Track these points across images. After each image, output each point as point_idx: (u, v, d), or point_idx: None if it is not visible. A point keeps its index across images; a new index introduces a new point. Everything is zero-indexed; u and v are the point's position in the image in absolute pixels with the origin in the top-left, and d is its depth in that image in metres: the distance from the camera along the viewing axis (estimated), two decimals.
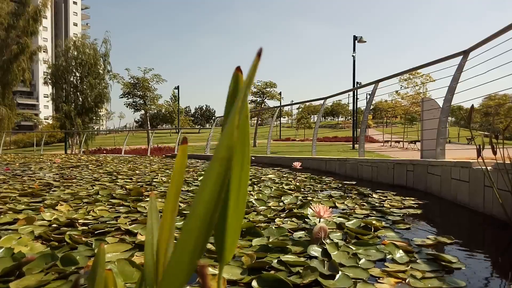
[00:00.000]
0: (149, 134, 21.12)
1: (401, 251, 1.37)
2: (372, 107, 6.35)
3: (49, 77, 24.22)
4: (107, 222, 1.86)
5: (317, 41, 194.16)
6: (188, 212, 1.94)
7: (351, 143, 15.38)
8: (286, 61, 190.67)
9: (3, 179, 3.97)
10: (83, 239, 1.49)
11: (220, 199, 0.34)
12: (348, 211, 2.22)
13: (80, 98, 24.55)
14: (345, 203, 2.48)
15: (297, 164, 4.19)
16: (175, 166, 0.39)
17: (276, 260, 1.26)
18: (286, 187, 3.29)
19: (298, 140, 25.53)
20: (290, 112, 63.44)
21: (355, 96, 17.73)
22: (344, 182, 3.87)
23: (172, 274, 0.33)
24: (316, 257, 1.31)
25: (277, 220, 1.92)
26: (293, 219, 1.95)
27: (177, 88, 31.28)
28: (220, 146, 0.33)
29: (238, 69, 0.39)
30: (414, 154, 8.13)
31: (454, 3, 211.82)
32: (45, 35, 61.72)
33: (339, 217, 1.97)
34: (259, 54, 0.35)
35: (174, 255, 0.32)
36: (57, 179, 3.98)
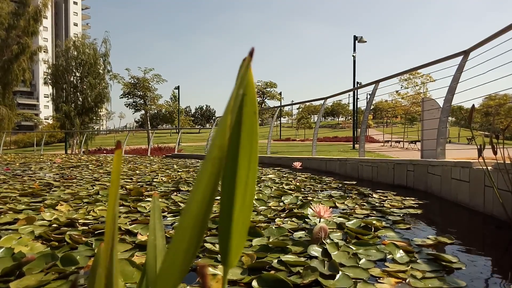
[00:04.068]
0: (149, 134, 21.13)
1: (401, 251, 1.37)
2: (372, 107, 6.35)
3: (49, 77, 24.20)
4: None
5: (318, 41, 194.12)
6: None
7: (351, 143, 15.38)
8: (286, 61, 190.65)
9: (3, 179, 3.97)
10: (83, 239, 1.49)
11: (213, 199, 0.34)
12: (348, 211, 2.22)
13: (80, 98, 24.52)
14: (345, 203, 2.48)
15: (297, 164, 4.18)
16: (112, 171, 0.38)
17: (276, 260, 1.26)
18: (286, 187, 3.29)
19: (298, 140, 25.50)
20: (290, 112, 63.49)
21: (355, 96, 17.74)
22: (345, 182, 3.87)
23: (166, 274, 0.33)
24: (316, 257, 1.31)
25: (277, 220, 1.92)
26: (293, 219, 1.95)
27: (177, 88, 31.28)
28: (212, 146, 0.33)
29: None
30: (414, 154, 8.13)
31: (454, 3, 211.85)
32: (45, 35, 61.66)
33: (339, 217, 1.97)
34: (251, 54, 0.35)
35: (168, 255, 0.33)
36: (57, 179, 3.98)
